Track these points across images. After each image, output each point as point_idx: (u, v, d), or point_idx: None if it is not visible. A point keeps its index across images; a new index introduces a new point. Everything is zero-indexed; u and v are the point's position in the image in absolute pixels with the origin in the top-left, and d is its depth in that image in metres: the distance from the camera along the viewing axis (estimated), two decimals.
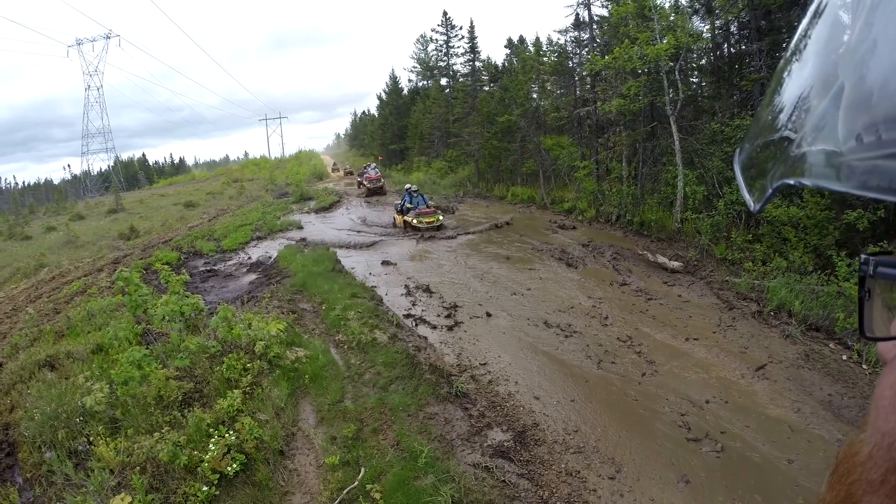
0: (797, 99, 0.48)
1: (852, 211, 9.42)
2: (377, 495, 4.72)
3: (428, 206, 18.49)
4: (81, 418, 5.94)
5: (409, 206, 18.47)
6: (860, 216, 9.21)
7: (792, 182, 0.46)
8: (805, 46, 0.49)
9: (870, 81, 0.36)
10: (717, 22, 15.36)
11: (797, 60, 0.50)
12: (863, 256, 0.49)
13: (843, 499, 0.45)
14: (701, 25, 15.79)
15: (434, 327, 8.92)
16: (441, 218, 17.92)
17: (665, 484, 4.86)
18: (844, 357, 7.02)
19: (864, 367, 6.72)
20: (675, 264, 11.54)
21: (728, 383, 6.59)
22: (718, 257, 11.56)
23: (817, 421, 5.67)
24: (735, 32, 15.66)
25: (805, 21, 0.50)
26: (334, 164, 55.36)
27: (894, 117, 0.34)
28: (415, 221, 17.53)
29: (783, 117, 0.50)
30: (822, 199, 9.85)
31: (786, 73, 0.52)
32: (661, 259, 11.95)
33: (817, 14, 0.48)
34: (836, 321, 7.62)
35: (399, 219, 18.90)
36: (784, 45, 13.24)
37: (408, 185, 20.20)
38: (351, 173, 36.95)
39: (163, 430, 5.46)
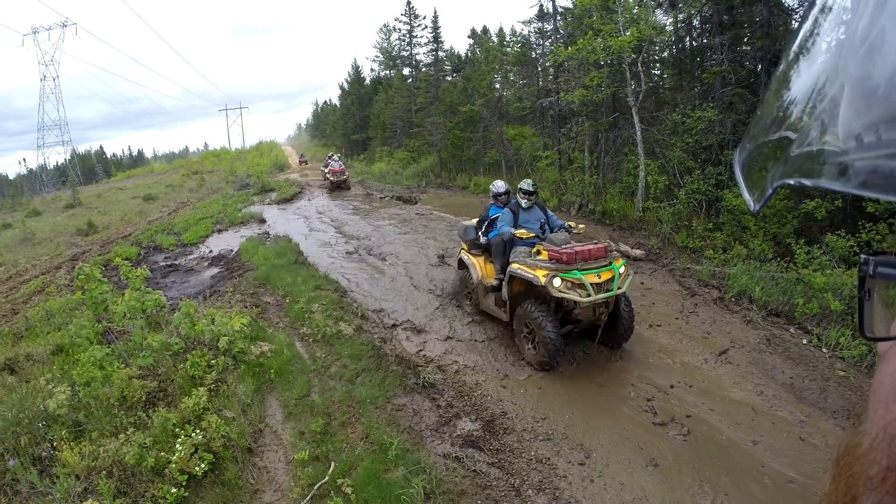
0: (797, 100, 0.48)
1: (810, 201, 9.69)
2: (348, 489, 4.69)
3: (572, 231, 7.65)
4: (44, 423, 5.74)
5: (514, 232, 7.29)
6: (818, 206, 9.48)
7: (792, 182, 0.46)
8: (805, 47, 0.49)
9: (870, 81, 0.36)
10: (681, 15, 15.57)
11: (797, 61, 0.50)
12: (863, 257, 0.50)
13: (845, 492, 0.45)
14: (664, 19, 15.99)
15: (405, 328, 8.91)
16: (623, 270, 6.67)
17: (634, 468, 4.94)
18: (804, 341, 7.23)
19: (824, 350, 6.93)
20: (637, 252, 11.70)
21: (692, 368, 6.73)
22: (680, 245, 11.76)
23: (780, 403, 5.83)
24: (697, 26, 15.88)
25: (806, 22, 0.50)
26: (301, 155, 52.76)
27: (894, 117, 0.34)
28: (560, 288, 6.32)
29: (783, 117, 0.49)
30: (782, 189, 10.08)
31: (786, 74, 0.52)
32: (624, 247, 12.10)
33: (817, 14, 0.48)
34: (796, 307, 7.83)
35: (483, 272, 8.17)
36: (746, 39, 13.52)
37: (498, 187, 8.52)
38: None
39: (128, 432, 5.32)
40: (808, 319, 7.66)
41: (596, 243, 6.94)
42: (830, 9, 0.46)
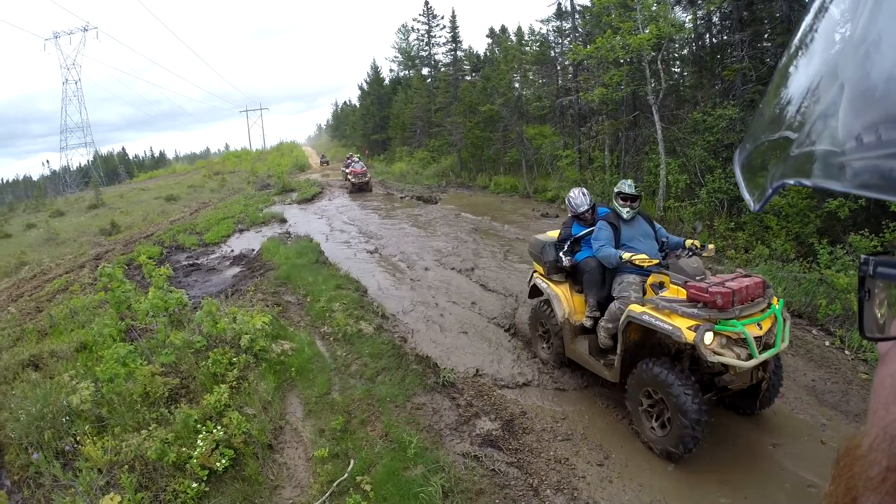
0: (797, 99, 0.48)
1: (833, 200, 9.54)
2: (367, 487, 4.72)
3: (701, 254, 5.42)
4: (67, 418, 5.87)
5: (629, 258, 5.24)
6: (841, 205, 9.33)
7: (792, 182, 0.46)
8: (805, 45, 0.49)
9: (870, 81, 0.36)
10: (700, 12, 15.41)
11: (797, 59, 0.51)
12: (863, 257, 0.50)
13: (844, 493, 0.45)
14: (683, 15, 15.85)
15: (423, 318, 8.92)
16: (784, 313, 4.77)
17: (653, 469, 4.91)
18: (827, 343, 7.12)
19: (847, 352, 6.82)
20: None
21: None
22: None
23: (801, 406, 5.74)
24: (717, 23, 15.73)
25: (805, 20, 0.50)
26: (322, 156, 52.06)
27: (894, 117, 0.34)
28: (714, 348, 4.32)
29: (783, 117, 0.50)
30: (804, 188, 9.94)
31: (785, 73, 0.52)
32: None
33: (817, 12, 0.48)
34: (819, 308, 7.71)
35: (570, 306, 6.14)
36: (766, 36, 13.36)
37: (579, 201, 6.27)
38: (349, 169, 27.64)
39: (150, 428, 5.41)
40: (830, 321, 7.53)
41: (747, 275, 4.80)
42: (830, 6, 0.46)
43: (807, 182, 0.44)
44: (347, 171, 27.53)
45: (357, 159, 28.57)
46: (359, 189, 26.02)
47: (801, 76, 0.48)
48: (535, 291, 6.79)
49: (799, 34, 0.50)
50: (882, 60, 0.35)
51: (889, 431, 0.40)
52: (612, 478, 4.87)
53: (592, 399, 6.04)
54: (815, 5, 0.48)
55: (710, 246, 5.54)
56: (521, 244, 12.79)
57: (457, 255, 12.43)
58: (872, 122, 0.36)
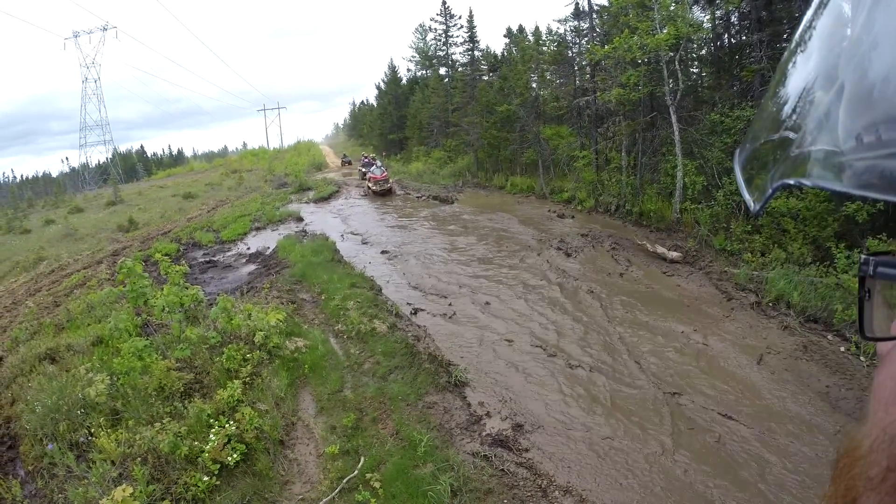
0: (797, 99, 0.47)
1: (851, 203, 9.41)
2: (377, 484, 4.75)
3: None
4: (82, 410, 5.96)
5: None
6: (859, 208, 9.21)
7: (792, 182, 0.46)
8: (805, 45, 0.49)
9: (870, 81, 0.36)
10: (718, 12, 15.29)
11: (797, 59, 0.50)
12: (862, 257, 0.49)
13: (844, 494, 0.45)
14: (701, 16, 15.71)
15: (434, 315, 8.95)
16: None
17: (665, 472, 4.89)
18: (842, 349, 7.03)
19: (862, 358, 6.73)
20: (674, 254, 11.53)
21: (727, 373, 6.61)
22: (717, 248, 11.55)
23: (815, 412, 5.69)
24: (735, 23, 15.60)
25: (805, 19, 0.50)
26: (343, 156, 50.35)
27: (894, 117, 0.34)
28: None
29: (783, 117, 0.49)
30: (822, 191, 9.80)
31: (786, 73, 0.51)
32: (660, 249, 11.94)
33: (817, 11, 0.48)
34: (835, 313, 7.62)
35: None
36: (785, 36, 13.21)
37: None
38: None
39: (163, 421, 5.49)
40: (846, 326, 7.43)
41: None
42: (830, 5, 0.46)
43: (806, 182, 0.43)
44: (366, 172, 26.90)
45: (379, 164, 27.61)
46: (380, 195, 24.82)
47: (801, 75, 0.48)
48: None
49: (798, 35, 0.50)
50: (881, 60, 0.35)
51: (889, 432, 0.40)
52: (620, 480, 4.84)
53: None
54: (814, 4, 0.48)
55: None
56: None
57: (466, 251, 12.40)
58: (872, 122, 0.35)
